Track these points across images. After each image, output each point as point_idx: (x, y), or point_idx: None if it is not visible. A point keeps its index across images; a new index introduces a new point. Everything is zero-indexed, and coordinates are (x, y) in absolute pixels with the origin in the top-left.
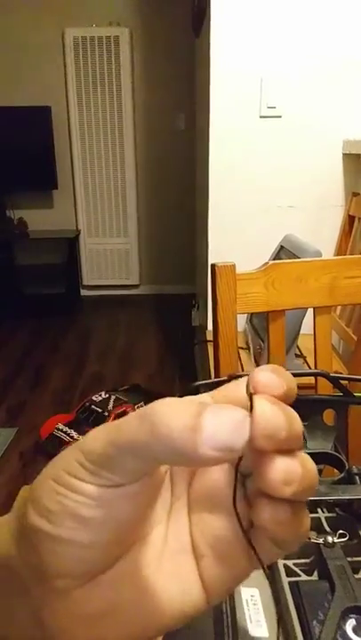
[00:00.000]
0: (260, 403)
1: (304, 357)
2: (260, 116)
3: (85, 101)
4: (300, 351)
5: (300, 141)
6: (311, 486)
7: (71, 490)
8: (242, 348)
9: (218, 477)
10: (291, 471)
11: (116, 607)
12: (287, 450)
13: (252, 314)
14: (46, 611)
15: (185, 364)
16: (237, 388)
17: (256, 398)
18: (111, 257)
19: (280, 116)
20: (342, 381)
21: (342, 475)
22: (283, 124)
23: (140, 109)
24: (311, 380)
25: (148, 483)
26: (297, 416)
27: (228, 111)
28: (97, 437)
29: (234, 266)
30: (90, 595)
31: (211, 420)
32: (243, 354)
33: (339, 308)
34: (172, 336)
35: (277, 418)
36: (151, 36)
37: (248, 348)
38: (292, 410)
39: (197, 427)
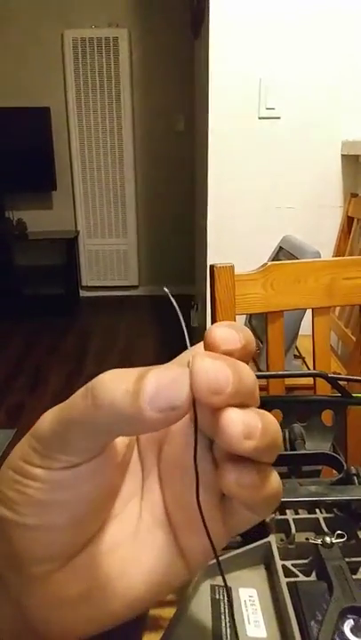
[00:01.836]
0: (200, 357)
1: (303, 358)
2: (259, 117)
3: (84, 102)
4: (298, 352)
5: (299, 142)
6: (275, 442)
7: (26, 477)
8: None
9: (184, 445)
10: (249, 423)
11: (97, 587)
12: (241, 406)
13: (250, 315)
14: (27, 599)
15: None
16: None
17: (197, 354)
18: (110, 258)
19: (279, 117)
20: (341, 382)
21: (341, 475)
22: (282, 125)
23: (139, 110)
24: (310, 380)
25: (106, 459)
26: (250, 371)
27: (227, 112)
28: (45, 419)
29: (232, 267)
30: (68, 577)
31: (151, 381)
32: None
33: (338, 308)
34: (170, 337)
35: (220, 371)
36: (150, 37)
37: None
38: (244, 365)
39: (138, 390)
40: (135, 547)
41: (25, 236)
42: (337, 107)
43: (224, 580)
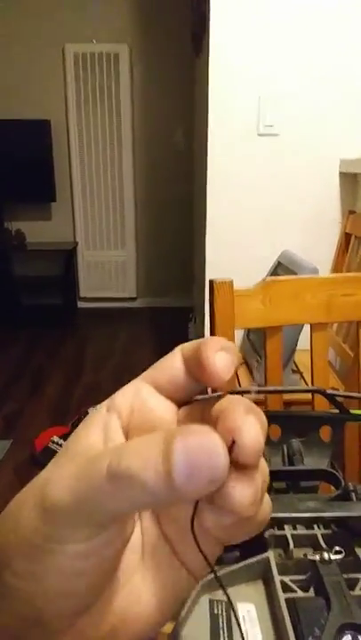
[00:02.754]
0: (248, 427)
1: (301, 373)
2: (258, 134)
3: (85, 116)
4: (296, 367)
5: (298, 159)
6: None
7: (44, 552)
8: (239, 363)
9: None
10: (258, 491)
11: (119, 620)
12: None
13: (249, 329)
14: None
15: None
16: (173, 360)
17: (242, 423)
18: (108, 269)
19: (278, 134)
20: (338, 398)
21: (339, 492)
22: (280, 141)
23: (138, 124)
24: (308, 396)
25: (126, 520)
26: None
27: (226, 128)
28: (58, 489)
29: (231, 282)
30: (92, 620)
31: (181, 458)
32: (240, 369)
33: (335, 324)
34: (168, 349)
35: (261, 437)
36: (151, 53)
37: (245, 363)
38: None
39: (169, 470)
40: (144, 571)
41: (24, 247)
42: (335, 125)
43: (227, 595)
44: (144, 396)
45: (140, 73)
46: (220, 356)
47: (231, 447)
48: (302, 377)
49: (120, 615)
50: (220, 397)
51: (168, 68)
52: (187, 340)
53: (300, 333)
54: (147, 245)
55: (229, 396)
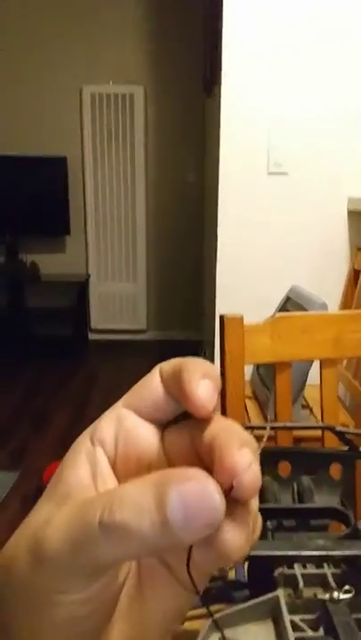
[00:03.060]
0: (248, 468)
1: (310, 408)
2: (268, 173)
3: (100, 153)
4: (306, 402)
5: (307, 197)
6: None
7: (43, 605)
8: (248, 398)
9: None
10: (249, 535)
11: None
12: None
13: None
14: None
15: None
16: (151, 382)
17: (241, 463)
18: (119, 301)
19: (287, 173)
20: (349, 435)
21: (348, 530)
22: (290, 180)
23: (152, 162)
24: (318, 432)
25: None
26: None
27: (237, 168)
28: (52, 540)
29: (242, 318)
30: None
31: (178, 505)
32: (249, 403)
33: (345, 360)
34: None
35: (259, 474)
36: (165, 94)
37: (255, 398)
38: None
39: (165, 520)
40: (142, 596)
41: (37, 279)
42: (343, 164)
43: (221, 633)
44: (127, 426)
45: (154, 113)
46: (203, 385)
47: (229, 489)
48: (312, 412)
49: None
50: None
51: (181, 108)
52: None
53: (310, 368)
54: (158, 279)
55: (221, 421)
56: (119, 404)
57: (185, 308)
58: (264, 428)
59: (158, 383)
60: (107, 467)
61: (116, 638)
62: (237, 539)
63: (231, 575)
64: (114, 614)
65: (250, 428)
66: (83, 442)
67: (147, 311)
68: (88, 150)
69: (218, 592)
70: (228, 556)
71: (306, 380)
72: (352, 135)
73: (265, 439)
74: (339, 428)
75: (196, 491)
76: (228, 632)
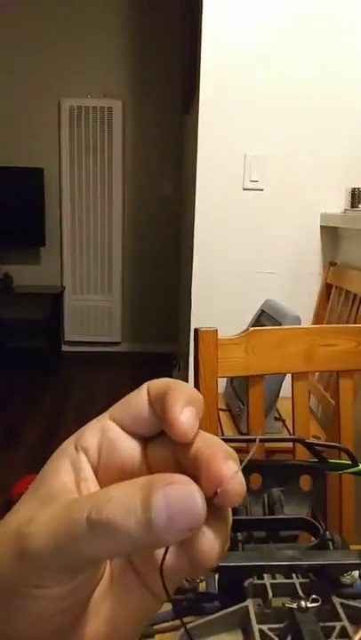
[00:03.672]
0: (233, 476)
1: (283, 420)
2: (244, 189)
3: (77, 165)
4: (279, 414)
5: (281, 213)
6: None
7: (25, 597)
8: (222, 410)
9: None
10: (225, 542)
11: None
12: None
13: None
14: None
15: None
16: (138, 398)
17: (227, 473)
18: (94, 314)
19: (262, 190)
20: (319, 447)
21: (317, 541)
22: (265, 196)
23: (129, 176)
24: (290, 444)
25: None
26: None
27: (213, 183)
28: (36, 536)
29: (216, 331)
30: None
31: (162, 507)
32: (223, 415)
33: (317, 372)
34: None
35: (244, 483)
36: (143, 108)
37: (228, 410)
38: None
39: (149, 520)
40: (112, 598)
41: (11, 290)
42: (316, 181)
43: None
44: (111, 437)
45: (133, 127)
46: (186, 412)
47: (213, 496)
48: (285, 424)
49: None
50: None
51: (159, 123)
52: None
53: (282, 381)
54: (133, 291)
55: (204, 436)
56: (105, 415)
57: (160, 321)
58: (239, 442)
59: (145, 401)
60: (90, 473)
61: (84, 637)
62: (214, 545)
63: (202, 587)
64: (84, 614)
65: (226, 441)
66: (67, 448)
67: (122, 323)
68: (65, 162)
69: (189, 604)
70: (203, 562)
71: (279, 392)
72: (326, 152)
73: (252, 452)
74: (308, 440)
75: (180, 494)
76: None
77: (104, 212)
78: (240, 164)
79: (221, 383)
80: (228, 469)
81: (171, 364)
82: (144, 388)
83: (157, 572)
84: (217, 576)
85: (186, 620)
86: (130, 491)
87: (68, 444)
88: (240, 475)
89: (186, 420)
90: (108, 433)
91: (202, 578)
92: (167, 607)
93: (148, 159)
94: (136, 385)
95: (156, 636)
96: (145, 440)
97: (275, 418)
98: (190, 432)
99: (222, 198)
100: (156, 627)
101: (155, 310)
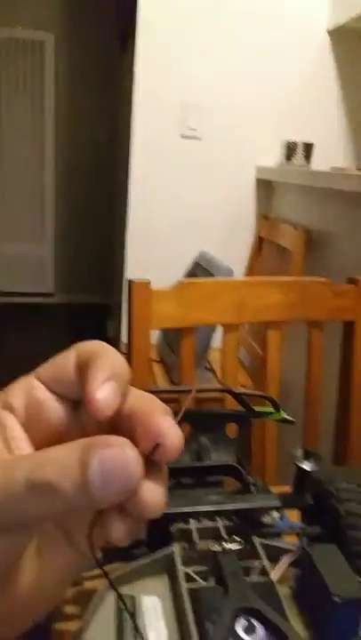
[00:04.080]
0: (172, 431)
1: (214, 371)
2: (182, 136)
3: (6, 104)
4: (209, 364)
5: (218, 164)
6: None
7: None
8: (155, 361)
9: None
10: (165, 492)
11: (20, 605)
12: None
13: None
14: None
15: None
16: (66, 360)
17: (167, 428)
18: (25, 263)
19: (200, 139)
20: (245, 397)
21: (240, 486)
22: (202, 146)
23: (62, 116)
24: (219, 394)
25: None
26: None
27: (150, 129)
28: None
29: (149, 282)
30: None
31: (98, 469)
32: (156, 366)
33: (247, 324)
34: None
35: (182, 437)
36: (77, 44)
37: (161, 361)
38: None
39: (85, 482)
40: (42, 553)
41: None
42: (254, 132)
43: (109, 580)
44: (38, 397)
45: (66, 63)
46: (105, 390)
47: (152, 451)
48: (215, 374)
49: (20, 600)
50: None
51: (94, 59)
52: (105, 337)
53: (213, 333)
54: (67, 240)
55: (139, 394)
56: (32, 374)
57: (95, 271)
58: (172, 393)
59: (72, 364)
60: (20, 432)
61: (14, 592)
62: (156, 496)
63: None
64: (15, 571)
65: (155, 392)
66: None
67: (54, 274)
68: None
69: (117, 550)
70: (147, 512)
71: (209, 343)
72: (265, 104)
73: (187, 403)
74: (237, 390)
75: (114, 458)
76: (125, 588)
77: (35, 155)
78: (178, 111)
79: (155, 335)
80: (166, 424)
81: (106, 316)
82: (73, 351)
83: (83, 531)
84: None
85: (115, 566)
86: (67, 453)
87: None
88: (177, 429)
89: (103, 397)
90: (35, 393)
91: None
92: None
93: (82, 98)
94: (69, 339)
95: (85, 583)
96: (73, 401)
97: (206, 368)
98: (107, 410)
99: (159, 146)
100: (83, 574)
101: (89, 260)
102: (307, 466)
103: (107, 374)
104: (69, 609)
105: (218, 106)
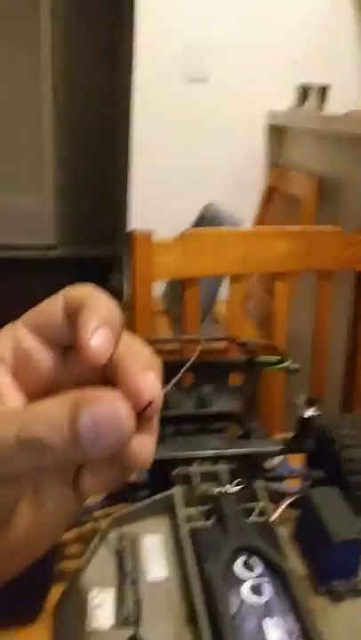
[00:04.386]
0: (149, 388)
1: (221, 324)
2: (187, 79)
3: None
4: (217, 318)
5: (226, 108)
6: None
7: None
8: (161, 313)
9: None
10: (155, 442)
11: (17, 545)
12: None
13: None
14: None
15: None
16: (53, 306)
17: (143, 386)
18: (24, 215)
19: (207, 81)
20: (249, 346)
21: (241, 432)
22: (210, 88)
23: (59, 56)
24: (224, 345)
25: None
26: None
27: (153, 73)
28: None
29: (150, 233)
30: None
31: (88, 425)
32: (161, 318)
33: (257, 275)
34: None
35: (159, 392)
36: None
37: (167, 313)
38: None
39: (76, 435)
40: (41, 494)
41: None
42: (266, 76)
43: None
44: (25, 346)
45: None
46: (98, 336)
47: (145, 407)
48: (221, 327)
49: (14, 540)
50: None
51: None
52: (110, 290)
53: (220, 285)
54: (67, 190)
55: (126, 341)
56: (18, 322)
57: (98, 224)
58: (171, 342)
59: (60, 310)
60: (8, 379)
61: (13, 535)
62: (145, 446)
63: (134, 477)
64: (11, 516)
65: (156, 342)
66: None
67: (55, 226)
68: None
69: (121, 493)
70: (137, 463)
71: (216, 296)
72: (277, 47)
73: (195, 355)
74: (240, 340)
75: (106, 413)
76: (127, 528)
77: (30, 98)
78: (182, 53)
79: (162, 287)
80: (145, 382)
81: (111, 269)
82: (60, 296)
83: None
84: None
85: (118, 507)
86: (58, 408)
87: None
88: (154, 387)
89: (96, 344)
90: (22, 342)
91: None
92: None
93: (81, 40)
94: None
95: (88, 524)
96: (65, 347)
97: (212, 322)
98: (101, 357)
99: (163, 90)
100: (85, 517)
101: (91, 212)
102: (309, 412)
103: (99, 321)
104: (72, 549)
105: (226, 45)
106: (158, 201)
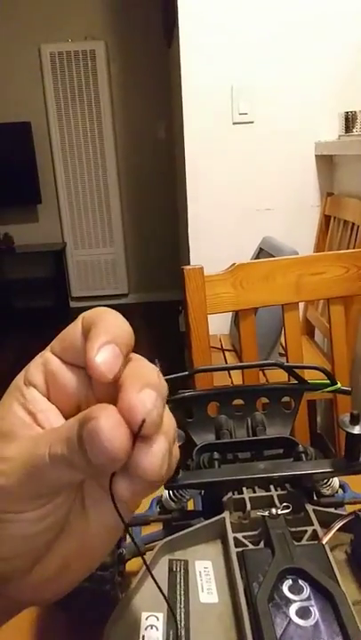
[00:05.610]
0: (137, 412)
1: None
2: (233, 123)
3: (65, 115)
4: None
5: (274, 145)
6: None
7: (7, 524)
8: (228, 350)
9: None
10: (165, 454)
11: (69, 561)
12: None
13: (236, 314)
14: (8, 589)
15: (175, 370)
16: (74, 329)
17: (135, 403)
18: (98, 267)
19: (252, 122)
20: (298, 371)
21: (293, 455)
22: (256, 129)
23: (119, 120)
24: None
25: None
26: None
27: (201, 119)
28: (7, 472)
29: (202, 268)
30: (46, 563)
31: (89, 441)
32: (229, 355)
33: (321, 304)
34: (160, 342)
35: (153, 410)
36: (126, 47)
37: (233, 350)
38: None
39: (85, 453)
40: (88, 511)
41: (12, 250)
42: (309, 109)
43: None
44: (52, 369)
45: (117, 68)
46: (104, 353)
47: (140, 425)
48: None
49: (69, 554)
50: (204, 395)
51: (144, 60)
52: (177, 331)
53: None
54: (135, 240)
55: (133, 363)
56: (48, 348)
57: (165, 268)
58: (211, 370)
59: (79, 333)
60: (46, 404)
61: (63, 551)
62: (152, 459)
63: (190, 506)
64: (60, 534)
65: (202, 371)
66: (17, 384)
67: (127, 274)
68: (52, 113)
69: (177, 522)
70: (146, 476)
71: (281, 328)
72: (316, 80)
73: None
74: (286, 364)
75: (95, 430)
76: (178, 554)
77: (97, 162)
78: (228, 97)
79: (227, 324)
80: (139, 399)
81: (177, 311)
82: (79, 319)
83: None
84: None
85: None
86: (71, 427)
87: (18, 381)
88: (155, 407)
89: (102, 361)
90: (49, 365)
91: (188, 497)
92: (158, 527)
93: (137, 100)
94: (144, 335)
95: (148, 553)
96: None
97: (280, 354)
98: (107, 373)
99: (212, 135)
100: (147, 545)
101: (158, 258)
102: (356, 429)
103: (106, 338)
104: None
105: (267, 85)
106: (216, 241)
